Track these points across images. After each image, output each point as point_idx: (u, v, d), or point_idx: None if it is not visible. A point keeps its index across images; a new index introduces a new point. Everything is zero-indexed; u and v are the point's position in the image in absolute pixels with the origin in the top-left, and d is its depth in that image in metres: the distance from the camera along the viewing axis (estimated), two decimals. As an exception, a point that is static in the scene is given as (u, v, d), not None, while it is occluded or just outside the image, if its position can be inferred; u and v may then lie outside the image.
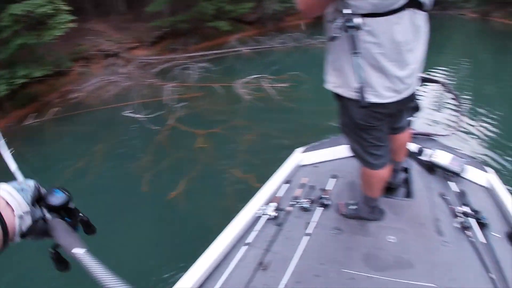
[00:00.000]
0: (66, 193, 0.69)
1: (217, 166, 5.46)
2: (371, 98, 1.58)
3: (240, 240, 2.18)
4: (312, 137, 5.75)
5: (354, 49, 1.42)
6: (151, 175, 5.35)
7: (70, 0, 13.22)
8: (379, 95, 1.61)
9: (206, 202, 4.68)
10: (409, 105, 2.01)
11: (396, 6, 1.42)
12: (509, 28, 20.85)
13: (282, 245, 2.14)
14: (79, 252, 0.57)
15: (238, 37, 13.14)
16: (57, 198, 0.67)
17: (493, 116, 6.97)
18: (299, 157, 2.99)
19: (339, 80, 1.69)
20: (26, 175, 0.72)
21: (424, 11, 1.54)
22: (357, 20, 1.39)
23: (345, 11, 1.39)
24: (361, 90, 1.47)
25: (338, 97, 1.76)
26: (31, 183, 0.66)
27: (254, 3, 15.70)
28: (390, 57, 1.52)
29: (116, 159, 6.37)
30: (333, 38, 1.48)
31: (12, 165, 0.75)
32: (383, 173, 2.05)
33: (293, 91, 7.98)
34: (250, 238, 2.16)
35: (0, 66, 9.32)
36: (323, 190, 2.59)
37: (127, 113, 7.56)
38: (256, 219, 2.32)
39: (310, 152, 3.05)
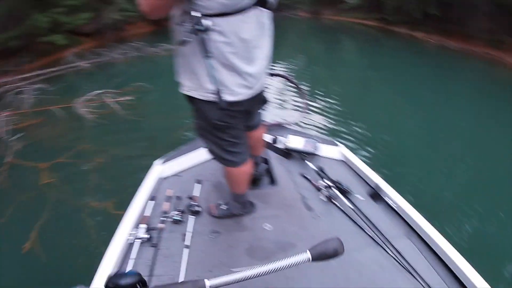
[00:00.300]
0: None
1: (70, 201, 5.15)
2: (227, 97, 1.61)
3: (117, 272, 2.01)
4: (167, 147, 5.72)
5: (206, 52, 1.44)
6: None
7: None
8: (233, 93, 1.64)
9: (67, 245, 4.34)
10: (261, 100, 2.04)
11: (243, 5, 1.44)
12: (337, 23, 24.12)
13: (164, 266, 2.04)
14: None
15: (75, 51, 12.38)
16: None
17: (333, 96, 8.21)
18: (159, 169, 2.86)
19: (192, 83, 1.67)
20: None
21: (269, 9, 1.60)
22: (207, 22, 1.39)
23: (194, 13, 1.38)
24: (218, 92, 1.53)
25: (192, 100, 1.74)
26: None
27: (91, 13, 14.89)
28: (240, 55, 1.55)
29: None
30: (183, 42, 1.47)
31: None
32: (246, 168, 2.09)
33: (139, 103, 7.96)
34: (128, 269, 1.98)
35: None
36: (191, 197, 2.57)
37: None
38: (129, 246, 2.16)
39: (169, 162, 2.95)
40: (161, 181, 2.82)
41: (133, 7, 15.99)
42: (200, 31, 1.39)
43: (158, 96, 8.64)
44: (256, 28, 1.57)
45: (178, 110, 7.45)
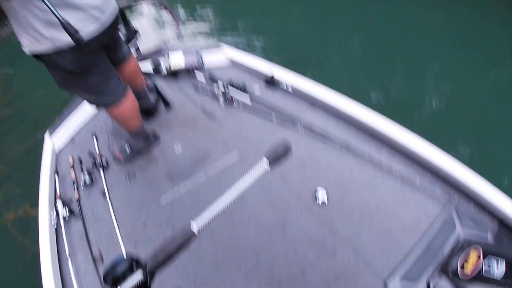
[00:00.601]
0: None
1: None
2: (70, 39, 1.40)
3: (61, 259, 1.95)
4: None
5: None
6: None
7: None
8: (82, 31, 1.45)
9: (11, 268, 3.66)
10: (115, 29, 1.82)
11: None
12: None
13: (97, 230, 2.02)
14: None
15: None
16: None
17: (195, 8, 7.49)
18: (50, 143, 2.64)
19: (31, 38, 1.45)
20: None
21: None
22: None
23: None
24: (68, 27, 1.26)
25: (41, 57, 1.53)
26: None
27: None
28: None
29: None
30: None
31: None
32: (128, 103, 1.96)
33: (7, 94, 6.62)
34: (66, 251, 1.94)
35: None
36: (93, 154, 2.42)
37: None
38: (57, 230, 2.06)
39: (58, 130, 2.72)
40: (58, 152, 2.64)
41: None
42: None
43: (25, 78, 7.18)
44: None
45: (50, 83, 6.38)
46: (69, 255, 1.95)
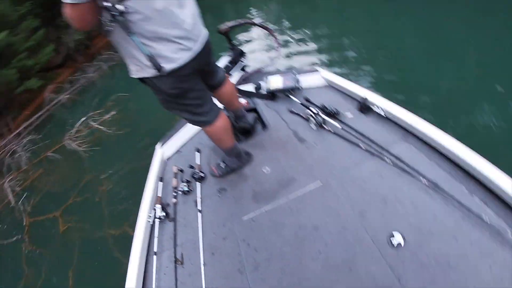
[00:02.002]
0: None
1: (92, 238, 5.00)
2: (167, 66, 1.70)
3: (148, 254, 2.26)
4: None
5: (129, 32, 1.55)
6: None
7: None
8: (173, 60, 1.72)
9: (104, 278, 4.22)
10: (209, 56, 2.06)
11: None
12: None
13: (185, 234, 2.26)
14: None
15: (52, 88, 12.08)
16: None
17: (300, 25, 7.60)
18: (161, 152, 3.07)
19: (136, 66, 1.76)
20: None
21: None
22: (120, 7, 1.47)
23: (106, 4, 1.46)
24: (153, 62, 1.64)
25: (144, 81, 1.85)
26: None
27: (53, 45, 14.47)
28: (163, 23, 1.61)
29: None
30: (107, 32, 1.58)
31: None
32: (220, 123, 2.18)
33: (122, 114, 7.65)
34: (155, 247, 2.24)
35: None
36: (193, 167, 2.75)
37: None
38: (152, 227, 2.41)
39: (168, 142, 3.16)
40: (165, 161, 3.05)
41: None
42: (117, 16, 1.48)
43: (137, 100, 8.25)
44: None
45: (156, 112, 7.08)
46: (156, 251, 2.23)
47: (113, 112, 7.73)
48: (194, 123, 2.18)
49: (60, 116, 10.99)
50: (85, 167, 6.83)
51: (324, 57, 6.40)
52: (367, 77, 5.43)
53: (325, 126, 2.52)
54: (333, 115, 2.56)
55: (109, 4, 1.47)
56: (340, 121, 2.50)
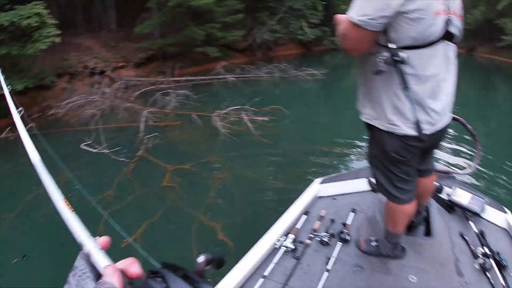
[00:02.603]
0: None
1: (182, 209, 5.01)
2: (407, 131, 1.61)
3: (256, 272, 2.14)
4: (290, 178, 5.43)
5: (404, 83, 1.49)
6: (109, 215, 4.89)
7: (61, 13, 13.23)
8: (416, 128, 1.61)
9: (165, 251, 4.22)
10: (440, 139, 1.97)
11: (432, 38, 1.46)
12: (493, 62, 21.33)
13: (301, 281, 2.10)
14: None
15: (225, 65, 12.99)
16: None
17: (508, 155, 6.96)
18: (318, 187, 2.97)
19: (375, 112, 1.70)
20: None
21: (454, 43, 1.60)
22: (403, 54, 1.43)
23: (391, 45, 1.44)
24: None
25: (372, 128, 1.78)
26: None
27: (245, 31, 15.68)
28: (426, 89, 1.54)
29: (74, 193, 5.92)
30: (378, 72, 1.49)
31: None
32: (409, 208, 2.02)
33: (273, 126, 7.67)
34: (267, 271, 2.12)
35: None
36: (343, 224, 2.57)
37: (84, 146, 6.86)
38: (274, 250, 2.30)
39: (328, 183, 3.03)
40: (317, 199, 2.92)
41: (283, 29, 16.66)
42: (397, 62, 1.44)
43: (292, 122, 8.31)
44: (443, 63, 1.56)
45: (309, 141, 7.11)
46: (265, 275, 2.09)
47: (265, 118, 7.82)
48: (386, 192, 2.01)
49: (218, 91, 11.69)
50: (215, 148, 6.99)
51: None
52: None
53: (487, 273, 2.22)
54: (502, 267, 2.24)
55: (394, 46, 1.44)
56: (505, 278, 2.18)
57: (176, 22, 13.40)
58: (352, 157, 6.52)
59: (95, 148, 6.65)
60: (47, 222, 4.57)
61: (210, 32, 13.88)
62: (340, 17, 1.56)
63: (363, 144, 6.61)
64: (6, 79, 7.92)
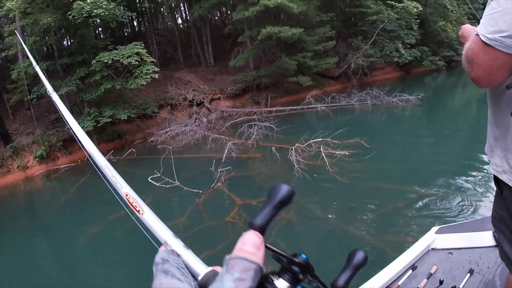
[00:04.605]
0: None
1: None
2: None
3: None
4: (360, 222, 4.98)
5: None
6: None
7: (162, 51, 14.66)
8: None
9: None
10: None
11: None
12: None
13: None
14: None
15: (316, 94, 12.81)
16: None
17: None
18: (433, 237, 2.61)
19: (507, 164, 1.30)
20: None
21: None
22: None
23: None
24: None
25: (500, 183, 1.37)
26: None
27: (337, 58, 15.45)
28: None
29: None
30: None
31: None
32: None
33: (351, 162, 7.05)
34: None
35: (90, 105, 10.66)
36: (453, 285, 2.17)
37: (152, 178, 7.02)
38: None
39: (446, 234, 2.65)
40: (429, 251, 2.55)
41: (378, 53, 16.01)
42: None
43: (373, 160, 7.20)
44: None
45: (403, 180, 6.12)
46: None
47: (344, 152, 7.27)
48: (509, 264, 1.60)
49: (304, 122, 11.59)
50: (289, 183, 6.61)
51: None
52: None
53: None
54: None
55: None
56: None
57: (267, 54, 13.83)
58: (471, 202, 5.42)
59: (169, 184, 6.91)
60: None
61: (302, 61, 13.96)
62: (467, 28, 1.27)
63: (484, 189, 5.71)
64: (112, 109, 8.97)
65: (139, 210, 0.80)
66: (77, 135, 1.55)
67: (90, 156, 1.08)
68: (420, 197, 5.28)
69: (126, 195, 0.87)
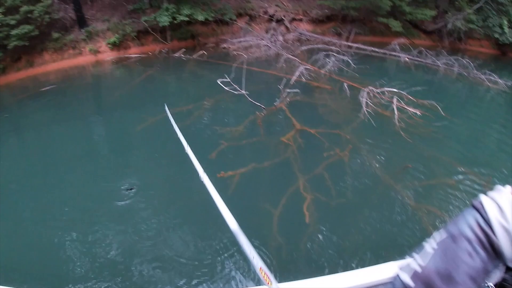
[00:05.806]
0: None
1: (288, 167, 5.03)
2: None
3: None
4: (407, 183, 4.99)
5: None
6: (226, 148, 5.36)
7: None
8: None
9: (251, 199, 4.45)
10: None
11: None
12: None
13: None
14: None
15: (403, 42, 11.81)
16: None
17: None
18: None
19: None
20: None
21: None
22: None
23: None
24: None
25: None
26: None
27: (436, 13, 14.02)
28: None
29: (208, 120, 6.62)
30: None
31: None
32: None
33: (422, 122, 6.62)
34: None
35: (170, 1, 10.47)
36: None
37: (221, 81, 7.13)
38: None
39: None
40: None
41: (480, 22, 14.31)
42: None
43: (442, 129, 6.73)
44: None
45: (465, 161, 5.70)
46: None
47: (417, 111, 6.77)
48: None
49: (383, 68, 11.02)
50: (349, 124, 6.53)
51: None
52: None
53: None
54: None
55: None
56: None
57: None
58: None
59: (237, 91, 7.04)
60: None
61: (398, 4, 12.82)
62: None
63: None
64: (190, 8, 8.86)
65: None
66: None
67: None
68: (474, 182, 5.00)
69: None
